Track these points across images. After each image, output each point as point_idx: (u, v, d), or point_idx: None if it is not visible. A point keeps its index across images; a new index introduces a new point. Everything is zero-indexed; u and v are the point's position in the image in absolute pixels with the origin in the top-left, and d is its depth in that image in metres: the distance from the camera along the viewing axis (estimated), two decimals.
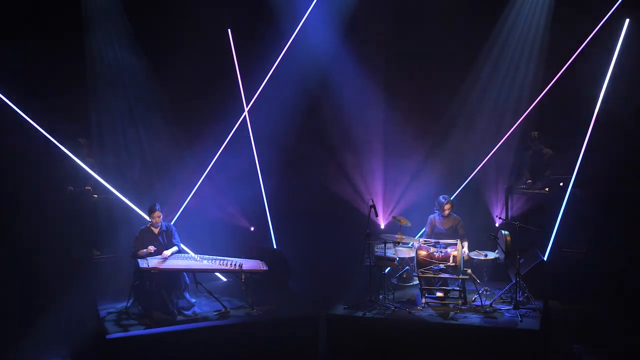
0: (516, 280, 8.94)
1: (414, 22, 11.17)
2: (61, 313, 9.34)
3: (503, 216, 10.19)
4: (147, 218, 9.52)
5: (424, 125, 11.38)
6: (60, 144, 10.08)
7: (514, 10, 11.11)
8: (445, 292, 9.25)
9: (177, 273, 9.06)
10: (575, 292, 9.86)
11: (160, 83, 10.97)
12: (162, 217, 9.31)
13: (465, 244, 9.57)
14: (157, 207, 9.24)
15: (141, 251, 9.06)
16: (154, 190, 10.91)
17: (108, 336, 8.30)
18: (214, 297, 9.21)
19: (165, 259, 9.00)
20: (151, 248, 9.03)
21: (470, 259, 9.46)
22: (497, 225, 10.60)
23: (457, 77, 11.29)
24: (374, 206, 9.11)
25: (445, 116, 11.38)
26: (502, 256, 9.13)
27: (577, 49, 10.52)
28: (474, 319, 8.69)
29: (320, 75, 11.24)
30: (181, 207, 10.78)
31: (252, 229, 11.38)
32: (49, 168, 10.22)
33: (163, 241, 9.28)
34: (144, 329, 8.52)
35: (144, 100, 10.94)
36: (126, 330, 8.49)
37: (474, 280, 9.03)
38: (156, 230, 9.28)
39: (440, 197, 9.82)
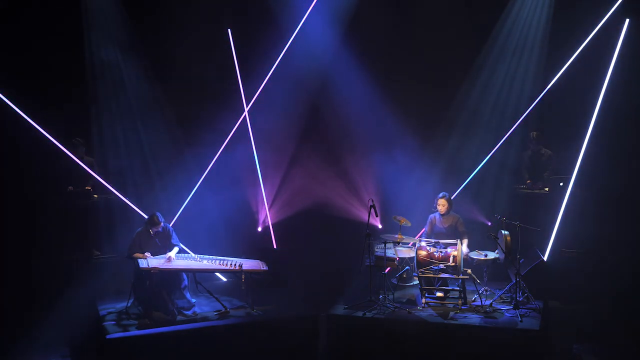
0: (516, 280, 8.93)
1: (414, 21, 11.17)
2: (61, 313, 9.34)
3: (502, 216, 10.15)
4: (146, 217, 9.51)
5: (424, 125, 11.37)
6: (60, 144, 10.07)
7: (514, 10, 11.12)
8: (445, 292, 9.25)
9: (177, 273, 9.06)
10: (575, 292, 9.86)
11: (160, 83, 10.97)
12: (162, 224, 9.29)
13: (465, 241, 9.57)
14: (160, 219, 9.17)
15: (136, 254, 9.05)
16: (154, 190, 10.91)
17: (108, 336, 8.30)
18: (214, 297, 9.21)
19: (168, 259, 8.99)
20: (147, 255, 9.03)
21: (470, 259, 9.45)
22: (489, 224, 10.59)
23: (457, 77, 11.29)
24: (374, 206, 9.10)
25: (445, 116, 11.38)
26: (502, 256, 9.13)
27: (577, 49, 10.52)
28: (474, 319, 8.69)
29: (320, 75, 11.24)
30: (181, 207, 10.77)
31: (260, 229, 11.38)
32: (49, 168, 10.22)
33: (160, 243, 9.25)
34: (144, 329, 8.52)
35: (144, 100, 10.94)
36: (126, 330, 8.49)
37: (474, 280, 9.03)
38: (153, 232, 9.26)
39: (439, 194, 9.83)
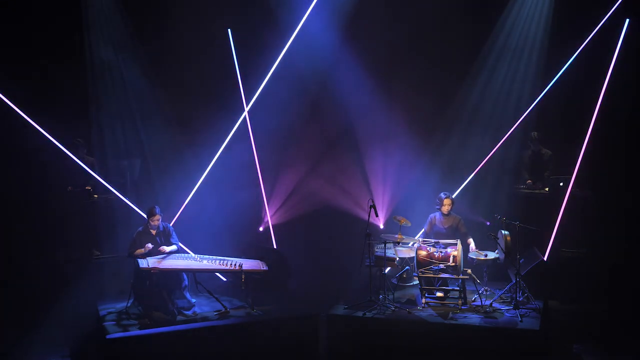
0: (516, 280, 8.93)
1: (414, 21, 11.16)
2: (61, 313, 9.34)
3: (502, 216, 10.16)
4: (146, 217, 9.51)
5: (424, 124, 11.37)
6: (60, 144, 10.07)
7: (514, 11, 11.12)
8: (445, 292, 9.25)
9: (177, 273, 9.06)
10: (575, 292, 9.86)
11: (160, 83, 10.98)
12: (160, 219, 9.29)
13: (471, 240, 9.58)
14: (157, 210, 9.21)
15: (138, 251, 9.05)
16: (154, 190, 10.92)
17: (108, 336, 8.30)
18: (214, 297, 9.21)
19: (164, 254, 8.97)
20: (148, 246, 9.03)
21: (470, 259, 9.46)
22: (489, 224, 10.59)
23: (458, 77, 11.29)
24: (373, 206, 9.10)
25: (445, 116, 11.37)
26: (502, 256, 9.13)
27: (577, 49, 10.53)
28: (474, 319, 8.68)
29: (320, 75, 11.24)
30: (181, 207, 10.77)
31: (261, 229, 11.38)
32: (48, 168, 10.22)
33: (160, 242, 9.27)
34: (144, 329, 8.52)
35: (144, 100, 10.94)
36: (126, 330, 8.49)
37: (474, 280, 9.03)
38: (153, 232, 9.26)
39: (441, 193, 9.83)
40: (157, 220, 9.21)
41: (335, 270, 10.48)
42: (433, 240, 9.40)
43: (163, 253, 9.07)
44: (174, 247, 9.28)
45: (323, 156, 11.61)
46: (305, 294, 9.80)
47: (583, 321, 9.45)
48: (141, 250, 9.02)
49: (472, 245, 9.57)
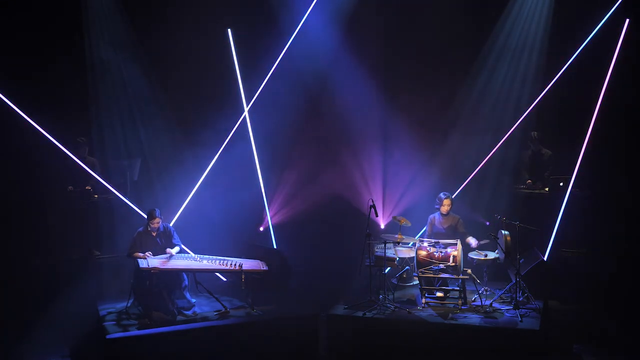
0: (516, 280, 8.94)
1: (414, 21, 11.16)
2: (61, 313, 9.34)
3: (502, 216, 10.15)
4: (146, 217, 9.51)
5: (424, 125, 11.37)
6: (61, 144, 10.07)
7: (514, 10, 11.12)
8: (445, 292, 9.25)
9: (177, 273, 9.06)
10: (575, 292, 9.86)
11: (160, 83, 10.98)
12: (161, 221, 9.29)
13: (471, 237, 9.55)
14: (157, 213, 9.18)
15: (137, 254, 9.05)
16: (154, 190, 10.91)
17: (108, 336, 8.30)
18: (214, 297, 9.21)
19: (170, 257, 8.98)
20: (148, 254, 9.03)
21: (470, 259, 9.45)
22: (487, 224, 10.59)
23: (458, 77, 11.29)
24: (374, 206, 9.10)
25: (445, 116, 11.37)
26: (502, 256, 9.13)
27: (577, 49, 10.52)
28: (474, 319, 8.68)
29: (320, 75, 11.24)
30: (181, 207, 10.77)
31: (262, 229, 11.38)
32: (49, 168, 10.22)
33: (161, 242, 9.27)
34: (144, 329, 8.52)
35: (144, 100, 10.95)
36: (126, 330, 8.49)
37: (474, 280, 9.03)
38: (154, 233, 9.26)
39: (441, 194, 9.83)
40: (157, 223, 9.21)
41: (335, 270, 10.48)
42: (433, 240, 9.40)
43: (168, 254, 9.05)
44: (177, 248, 9.28)
45: (323, 156, 11.60)
46: (305, 294, 9.80)
47: (583, 321, 9.45)
48: (140, 255, 9.01)
49: (474, 242, 9.52)
